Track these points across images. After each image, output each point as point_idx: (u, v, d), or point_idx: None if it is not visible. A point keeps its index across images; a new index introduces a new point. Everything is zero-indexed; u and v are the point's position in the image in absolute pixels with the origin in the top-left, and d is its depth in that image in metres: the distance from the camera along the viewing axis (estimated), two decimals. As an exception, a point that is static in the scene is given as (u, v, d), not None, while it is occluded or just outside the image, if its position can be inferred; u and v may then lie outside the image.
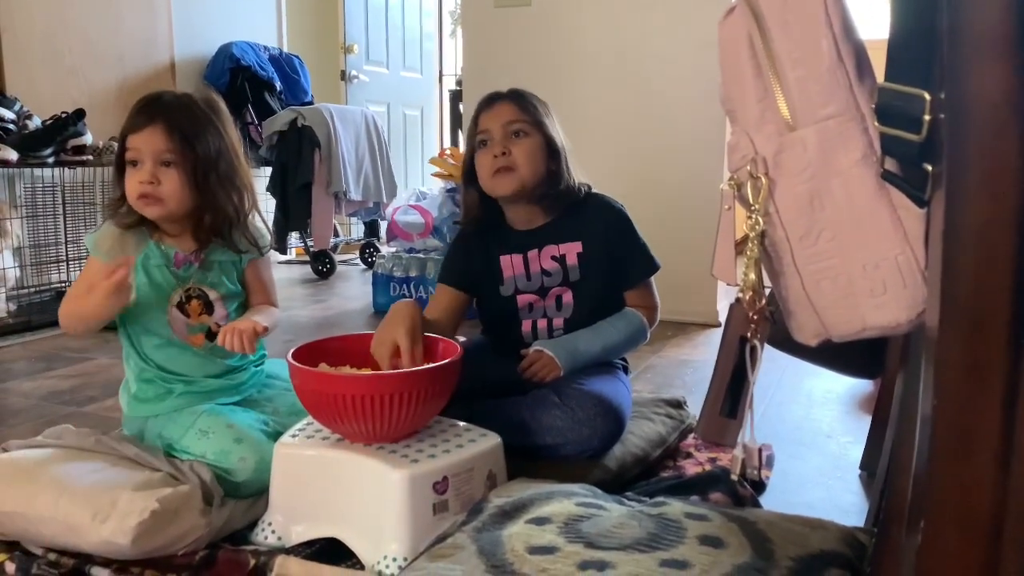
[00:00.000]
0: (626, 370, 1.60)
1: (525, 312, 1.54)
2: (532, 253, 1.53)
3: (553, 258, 1.52)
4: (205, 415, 1.30)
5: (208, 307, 1.39)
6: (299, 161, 3.68)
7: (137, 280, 1.32)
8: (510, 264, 1.54)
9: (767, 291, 0.93)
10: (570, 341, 1.48)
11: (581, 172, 1.55)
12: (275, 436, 1.26)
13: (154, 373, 1.36)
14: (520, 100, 1.50)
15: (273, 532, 1.18)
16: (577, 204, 1.54)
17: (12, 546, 1.18)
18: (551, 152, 1.49)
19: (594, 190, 1.57)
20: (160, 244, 1.37)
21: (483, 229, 1.57)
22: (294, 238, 4.10)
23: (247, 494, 1.24)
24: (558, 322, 1.53)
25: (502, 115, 1.48)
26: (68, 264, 3.12)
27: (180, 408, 1.33)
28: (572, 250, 1.52)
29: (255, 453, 1.23)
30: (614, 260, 1.53)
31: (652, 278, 1.57)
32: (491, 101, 1.51)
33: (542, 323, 1.54)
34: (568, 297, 1.52)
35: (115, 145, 3.24)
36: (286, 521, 1.18)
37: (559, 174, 1.50)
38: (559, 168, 1.50)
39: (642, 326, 1.54)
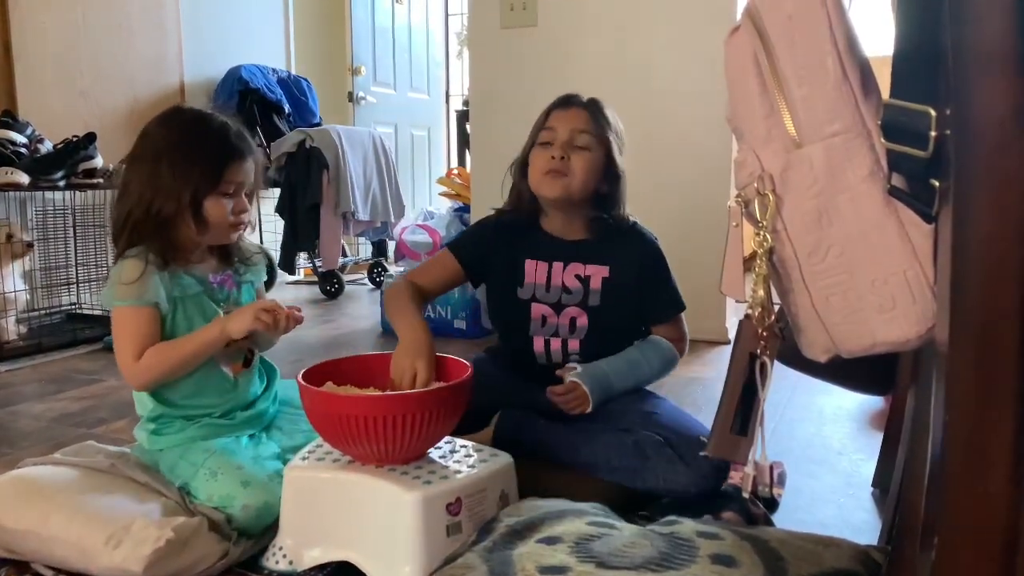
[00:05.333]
0: None
1: (537, 325, 1.50)
2: (557, 265, 1.49)
3: (577, 276, 1.49)
4: (216, 454, 1.26)
5: None
6: (307, 182, 3.70)
7: (176, 317, 1.29)
8: (534, 270, 1.50)
9: (776, 307, 0.93)
10: (606, 377, 1.43)
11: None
12: None
13: (172, 410, 1.32)
14: (595, 110, 1.48)
15: (284, 556, 1.17)
16: (616, 232, 1.51)
17: (24, 568, 1.18)
18: (608, 174, 1.47)
19: (636, 223, 1.55)
20: (190, 272, 1.33)
21: (512, 226, 1.54)
22: (302, 258, 4.12)
23: (252, 535, 1.22)
24: (574, 344, 1.49)
25: (573, 120, 1.46)
26: (79, 287, 3.14)
27: (198, 438, 1.29)
28: (598, 273, 1.48)
29: (259, 498, 1.20)
30: (641, 294, 1.50)
31: (682, 314, 1.55)
32: (567, 103, 1.50)
33: (555, 343, 1.49)
34: (583, 320, 1.48)
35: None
36: (297, 545, 1.17)
37: (614, 199, 1.48)
38: (613, 192, 1.48)
39: (674, 359, 1.51)
